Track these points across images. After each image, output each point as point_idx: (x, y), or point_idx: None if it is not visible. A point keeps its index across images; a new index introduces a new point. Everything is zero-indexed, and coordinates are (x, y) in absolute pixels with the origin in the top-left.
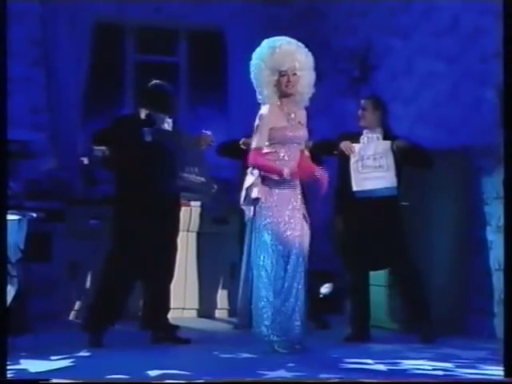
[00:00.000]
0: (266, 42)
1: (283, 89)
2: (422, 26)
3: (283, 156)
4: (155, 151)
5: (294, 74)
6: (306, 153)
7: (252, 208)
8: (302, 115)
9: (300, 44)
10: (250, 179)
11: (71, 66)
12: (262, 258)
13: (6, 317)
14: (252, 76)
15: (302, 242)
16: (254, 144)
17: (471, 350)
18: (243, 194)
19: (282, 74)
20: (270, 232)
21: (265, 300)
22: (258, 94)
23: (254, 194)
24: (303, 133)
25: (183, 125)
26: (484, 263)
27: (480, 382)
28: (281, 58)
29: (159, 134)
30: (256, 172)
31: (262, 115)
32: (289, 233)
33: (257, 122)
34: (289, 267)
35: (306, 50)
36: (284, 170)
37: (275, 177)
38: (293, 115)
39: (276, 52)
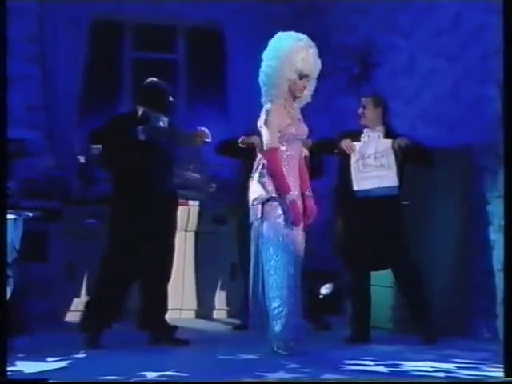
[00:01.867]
0: (293, 37)
1: (295, 91)
2: (423, 23)
3: (289, 153)
4: (150, 149)
5: (309, 80)
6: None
7: (260, 207)
8: (298, 111)
9: (316, 48)
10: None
11: (68, 63)
12: (274, 257)
13: (6, 317)
14: (268, 67)
15: (303, 241)
16: (269, 143)
17: (473, 352)
18: (254, 194)
19: (301, 77)
20: (281, 231)
21: (278, 300)
22: (267, 89)
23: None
24: (305, 128)
25: (182, 123)
26: (486, 263)
27: (480, 382)
28: (306, 63)
29: (155, 131)
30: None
31: (269, 113)
32: (296, 232)
33: (264, 120)
34: (297, 267)
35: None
36: (288, 196)
37: (275, 192)
38: (293, 112)
39: (303, 55)
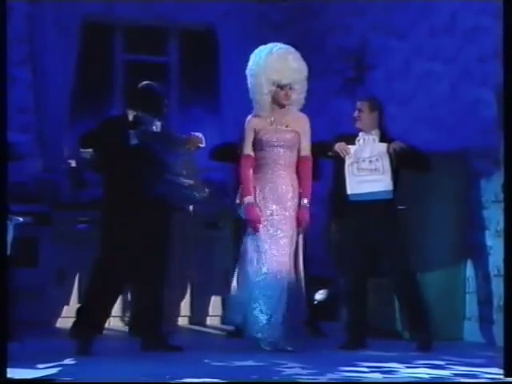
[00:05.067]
0: (266, 51)
1: (280, 101)
2: (419, 25)
3: (264, 160)
4: (142, 154)
5: (291, 88)
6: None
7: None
8: (292, 119)
9: (296, 53)
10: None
11: (58, 65)
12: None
13: (6, 318)
14: (249, 83)
15: (288, 245)
16: (242, 151)
17: (469, 358)
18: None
19: (280, 86)
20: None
21: (264, 298)
22: (253, 102)
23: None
24: (286, 136)
25: (174, 126)
26: (482, 268)
27: (480, 382)
28: (282, 73)
29: (146, 136)
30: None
31: (246, 123)
32: (267, 234)
33: (243, 129)
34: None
35: (301, 58)
36: (245, 198)
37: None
38: (278, 119)
39: (278, 66)
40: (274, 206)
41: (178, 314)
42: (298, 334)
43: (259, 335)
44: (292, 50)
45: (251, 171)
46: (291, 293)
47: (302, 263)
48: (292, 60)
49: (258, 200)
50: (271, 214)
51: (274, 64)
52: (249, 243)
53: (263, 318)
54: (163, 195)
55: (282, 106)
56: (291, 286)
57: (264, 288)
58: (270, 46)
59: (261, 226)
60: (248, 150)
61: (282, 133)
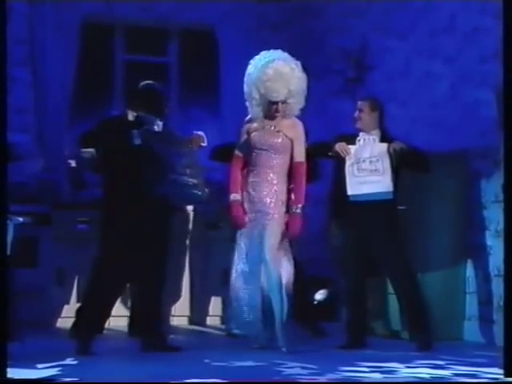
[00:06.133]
0: (262, 62)
1: (271, 114)
2: (419, 25)
3: (254, 163)
4: (144, 153)
5: (284, 102)
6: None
7: None
8: (285, 124)
9: (294, 64)
10: None
11: (58, 65)
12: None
13: (6, 318)
14: (245, 95)
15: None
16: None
17: (469, 358)
18: None
19: (271, 102)
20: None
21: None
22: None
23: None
24: (275, 140)
25: (174, 126)
26: (482, 269)
27: (480, 382)
28: (272, 90)
29: (148, 135)
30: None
31: (243, 123)
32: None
33: None
34: (253, 265)
35: (300, 69)
36: (230, 196)
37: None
38: (271, 124)
39: (270, 84)
40: (259, 209)
41: (176, 314)
42: (284, 334)
43: (237, 331)
44: (290, 62)
45: (239, 171)
46: (274, 293)
47: (292, 265)
48: (287, 75)
49: (244, 202)
50: (255, 217)
51: (266, 80)
52: (239, 243)
53: (244, 316)
54: (167, 195)
55: (273, 118)
56: (274, 286)
57: (245, 286)
58: (267, 57)
59: (246, 226)
60: (238, 151)
61: (272, 137)
